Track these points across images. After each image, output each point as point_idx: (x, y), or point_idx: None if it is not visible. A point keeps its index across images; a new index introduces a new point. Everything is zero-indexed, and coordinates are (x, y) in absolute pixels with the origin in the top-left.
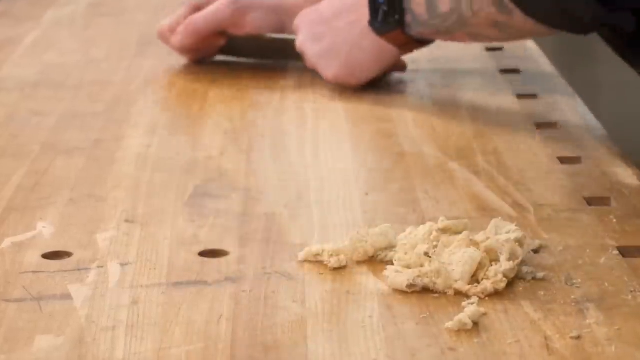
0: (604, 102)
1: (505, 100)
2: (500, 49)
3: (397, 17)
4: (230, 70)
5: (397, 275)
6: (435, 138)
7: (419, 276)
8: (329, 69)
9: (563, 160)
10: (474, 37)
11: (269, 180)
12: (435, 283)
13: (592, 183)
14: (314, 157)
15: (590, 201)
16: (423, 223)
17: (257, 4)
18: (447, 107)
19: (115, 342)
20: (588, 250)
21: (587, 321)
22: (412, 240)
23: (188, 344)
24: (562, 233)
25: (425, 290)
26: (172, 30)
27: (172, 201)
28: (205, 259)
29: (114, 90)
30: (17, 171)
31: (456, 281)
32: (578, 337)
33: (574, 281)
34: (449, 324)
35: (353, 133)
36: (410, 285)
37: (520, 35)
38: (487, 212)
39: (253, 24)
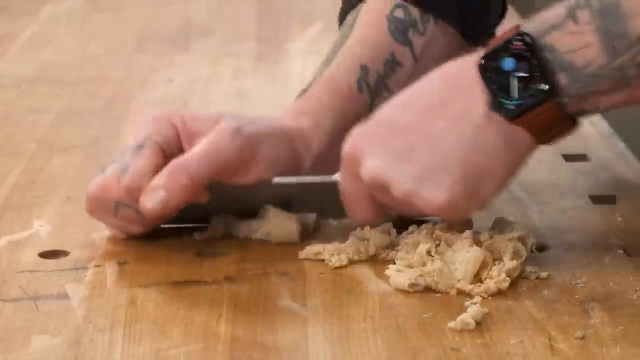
0: None
1: None
2: None
3: (543, 83)
4: (229, 64)
5: (399, 275)
6: None
7: (421, 275)
8: (438, 193)
9: (568, 157)
10: None
11: None
12: (437, 282)
13: (597, 181)
14: None
15: (595, 199)
16: (425, 222)
17: (264, 131)
18: None
19: (113, 342)
20: (593, 250)
21: (592, 321)
22: (414, 239)
23: (187, 344)
24: (566, 232)
25: (428, 290)
26: (130, 188)
27: None
28: (204, 259)
29: (112, 86)
30: (14, 169)
31: (459, 281)
32: (582, 337)
33: (579, 280)
34: (452, 324)
35: None
36: (412, 285)
37: None
38: (490, 210)
39: (266, 160)
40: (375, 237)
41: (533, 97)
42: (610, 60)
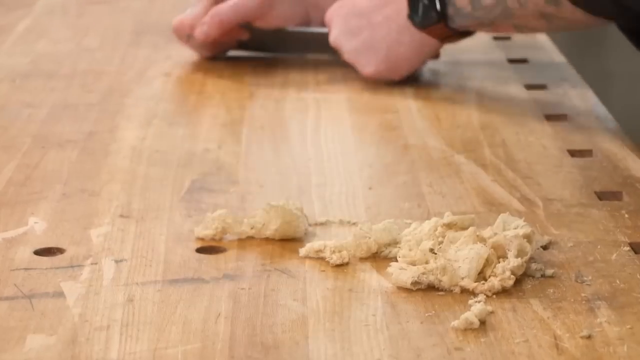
0: (615, 93)
1: (513, 90)
2: (508, 38)
3: (438, 10)
4: (229, 60)
5: (402, 273)
6: (441, 130)
7: (423, 273)
8: (369, 65)
9: (573, 153)
10: (519, 28)
11: (268, 173)
12: (440, 280)
13: (604, 177)
14: (315, 149)
15: (602, 195)
16: (428, 218)
17: None
18: (454, 98)
19: (110, 341)
20: (599, 247)
21: (598, 320)
22: (416, 236)
23: (185, 343)
24: (572, 228)
25: (431, 288)
26: (192, 25)
27: (168, 195)
28: (203, 256)
29: (108, 80)
30: (8, 165)
31: (462, 278)
32: (589, 337)
33: (585, 278)
34: (455, 323)
35: (356, 125)
36: (415, 283)
37: (568, 26)
38: (494, 206)
39: (280, 16)
40: (376, 234)
41: (430, 18)
42: (473, 11)
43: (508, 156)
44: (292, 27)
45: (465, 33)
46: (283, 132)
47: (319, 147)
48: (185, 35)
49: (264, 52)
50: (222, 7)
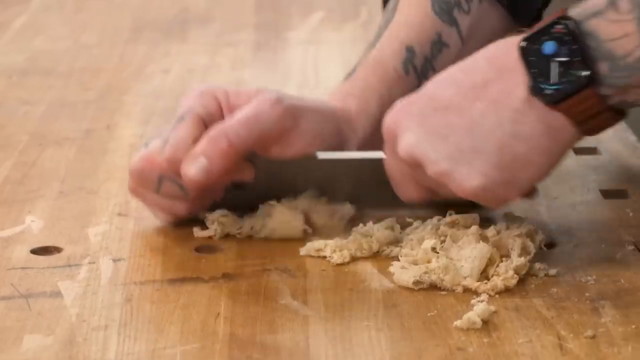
0: None
1: None
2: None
3: (584, 69)
4: (229, 55)
5: (403, 272)
6: None
7: (426, 272)
8: (472, 176)
9: (578, 150)
10: None
11: None
12: (443, 280)
13: (609, 175)
14: None
15: (606, 194)
16: (430, 217)
17: (308, 105)
18: None
19: (107, 341)
20: (603, 245)
21: (602, 320)
22: (418, 234)
23: (183, 343)
24: (576, 227)
25: (433, 288)
26: (173, 158)
27: None
28: (202, 255)
29: (106, 77)
30: (4, 163)
31: (465, 278)
32: (593, 337)
33: (589, 278)
34: (458, 323)
35: None
36: (416, 282)
37: None
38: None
39: (308, 134)
40: (378, 233)
41: (573, 82)
42: None
43: None
44: (318, 153)
45: (619, 112)
46: None
47: None
48: (154, 179)
49: (265, 195)
50: (227, 124)
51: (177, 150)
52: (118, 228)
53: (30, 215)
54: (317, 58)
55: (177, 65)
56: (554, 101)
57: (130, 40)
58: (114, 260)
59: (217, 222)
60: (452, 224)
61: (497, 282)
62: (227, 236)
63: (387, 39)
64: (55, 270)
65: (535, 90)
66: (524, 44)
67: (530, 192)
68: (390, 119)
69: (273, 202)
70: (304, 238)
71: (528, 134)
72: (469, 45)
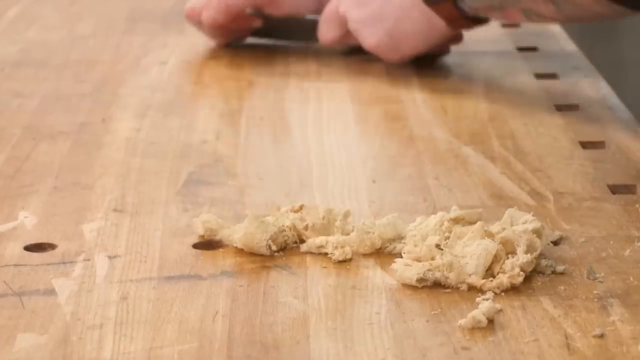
0: (629, 82)
1: (522, 80)
2: (517, 26)
3: None
4: (227, 48)
5: (407, 269)
6: (447, 121)
7: (429, 270)
8: (371, 37)
9: (585, 144)
10: (528, 15)
11: (268, 166)
12: (447, 277)
13: (617, 169)
14: (317, 141)
15: (615, 189)
16: (434, 212)
17: None
18: (460, 88)
19: (103, 341)
20: (612, 242)
21: (611, 318)
22: (422, 231)
23: (181, 342)
24: (583, 223)
25: (437, 285)
26: (202, 10)
27: (164, 189)
28: (200, 251)
29: (102, 69)
30: None
31: (470, 275)
32: (601, 336)
33: (597, 275)
34: (462, 322)
35: (359, 115)
36: (420, 280)
37: (580, 15)
38: (502, 200)
39: (291, 3)
40: (381, 229)
41: None
42: None
43: (517, 148)
44: (305, 16)
45: (476, 21)
46: (283, 123)
47: (320, 139)
48: (197, 21)
49: (276, 40)
50: None
51: (204, 3)
52: (114, 224)
53: (23, 211)
54: (318, 51)
55: (175, 57)
56: (428, 3)
57: (126, 31)
58: (110, 257)
59: (202, 225)
60: (457, 220)
61: (503, 279)
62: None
63: None
64: (49, 267)
65: None
66: None
67: (455, 40)
68: None
69: (248, 212)
70: (269, 255)
71: (415, 17)
72: None
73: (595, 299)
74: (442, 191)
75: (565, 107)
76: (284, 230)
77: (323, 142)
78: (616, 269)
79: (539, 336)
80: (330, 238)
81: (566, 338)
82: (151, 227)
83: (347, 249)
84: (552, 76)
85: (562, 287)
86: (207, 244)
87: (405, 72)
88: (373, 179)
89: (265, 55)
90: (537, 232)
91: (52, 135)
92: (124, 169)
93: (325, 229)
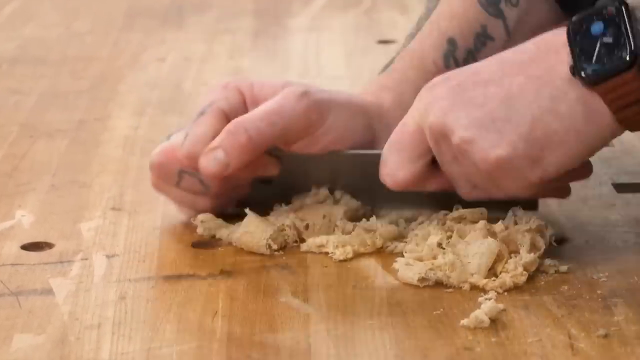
0: None
1: None
2: None
3: (627, 51)
4: (226, 41)
5: (408, 268)
6: None
7: (431, 269)
8: (499, 144)
9: None
10: None
11: None
12: (449, 277)
13: (622, 168)
14: None
15: (619, 187)
16: (435, 210)
17: (336, 100)
18: None
19: (101, 340)
20: (616, 241)
21: (615, 318)
22: (423, 230)
23: (180, 342)
24: (587, 222)
25: (439, 285)
26: (191, 154)
27: None
28: (199, 250)
29: (99, 66)
30: None
31: (472, 275)
32: (605, 336)
33: (601, 275)
34: (464, 322)
35: None
36: (422, 279)
37: None
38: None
39: (333, 130)
40: (382, 228)
41: (614, 64)
42: None
43: None
44: (347, 150)
45: None
46: None
47: None
48: (174, 173)
49: (293, 190)
50: (247, 117)
51: (196, 145)
52: (112, 223)
53: (20, 209)
54: (318, 46)
55: (173, 53)
56: (592, 82)
57: (124, 27)
58: (108, 257)
59: (201, 224)
60: (459, 219)
61: (506, 279)
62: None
63: (428, 30)
64: (47, 266)
65: (576, 68)
66: (574, 21)
67: (563, 191)
68: (424, 90)
69: (248, 210)
70: (268, 254)
71: (564, 113)
72: (515, 39)
73: (599, 299)
74: None
75: None
76: (284, 230)
77: None
78: (620, 268)
79: (542, 336)
80: (331, 237)
81: (570, 338)
82: (150, 226)
83: (348, 248)
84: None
85: (566, 287)
86: (207, 243)
87: None
88: None
89: (266, 51)
90: (541, 231)
91: (50, 133)
92: (122, 167)
93: (326, 228)
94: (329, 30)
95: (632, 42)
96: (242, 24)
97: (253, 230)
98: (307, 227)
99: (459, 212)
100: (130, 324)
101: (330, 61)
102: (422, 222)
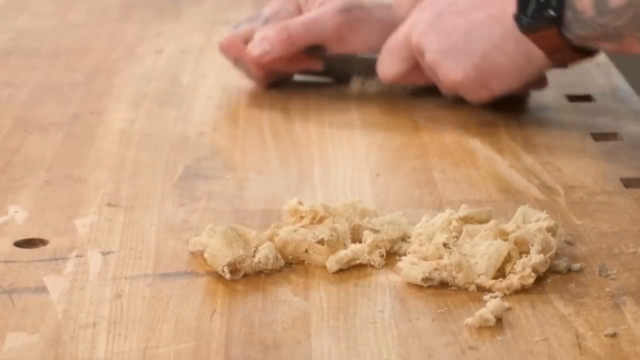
0: None
1: None
2: None
3: (552, 11)
4: (225, 33)
5: (412, 268)
6: (454, 111)
7: (436, 269)
8: (456, 70)
9: (597, 136)
10: None
11: (267, 159)
12: (454, 277)
13: (630, 162)
14: (318, 132)
15: (628, 183)
16: (440, 207)
17: (372, 18)
18: None
19: (96, 340)
20: (625, 238)
21: (624, 317)
22: (428, 230)
23: (177, 342)
24: (595, 218)
25: (443, 284)
26: (247, 39)
27: (160, 182)
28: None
29: (94, 58)
30: None
31: (479, 275)
32: (614, 335)
33: (609, 272)
34: (469, 320)
35: (362, 105)
36: (426, 279)
37: None
38: (511, 194)
39: (365, 42)
40: (389, 230)
41: (541, 20)
42: (596, 16)
43: (526, 140)
44: (371, 54)
45: (583, 52)
46: (283, 114)
47: (322, 130)
48: (232, 58)
49: (332, 78)
50: (292, 21)
51: (250, 33)
52: (107, 219)
53: (13, 205)
54: None
55: (170, 45)
56: (526, 31)
57: (120, 18)
58: (103, 254)
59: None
60: (466, 219)
61: (514, 280)
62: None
63: None
64: (40, 264)
65: (516, 18)
66: None
67: (540, 82)
68: (416, 9)
69: (217, 228)
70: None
71: (510, 50)
72: None
73: (608, 297)
74: (448, 185)
75: (576, 98)
76: (252, 257)
77: (325, 134)
78: (629, 265)
79: (549, 335)
80: (341, 253)
81: (577, 337)
82: (146, 222)
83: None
84: (563, 65)
85: (573, 285)
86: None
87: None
88: (377, 172)
89: None
90: (552, 231)
91: (44, 126)
92: (118, 162)
93: (333, 245)
94: None
95: (557, 4)
96: (240, 15)
97: (215, 253)
98: (308, 249)
99: (466, 212)
100: (126, 322)
101: None
102: (426, 222)
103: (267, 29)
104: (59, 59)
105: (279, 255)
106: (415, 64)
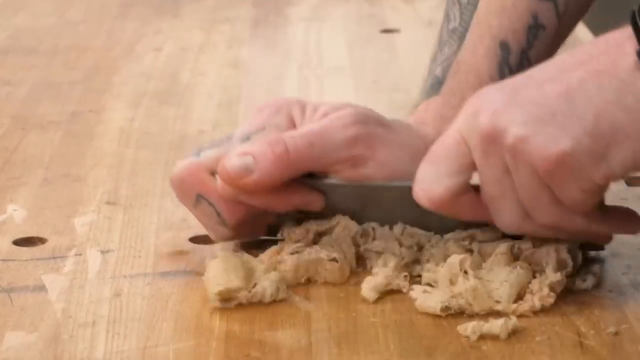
0: None
1: None
2: None
3: None
4: (224, 31)
5: (427, 297)
6: None
7: (453, 297)
8: (559, 139)
9: None
10: None
11: None
12: (471, 304)
13: None
14: None
15: (629, 181)
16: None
17: (393, 134)
18: None
19: (95, 339)
20: (626, 236)
21: (626, 315)
22: (438, 252)
23: (177, 341)
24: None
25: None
26: (214, 172)
27: (159, 181)
28: (197, 246)
29: (93, 56)
30: None
31: (498, 302)
32: (615, 334)
33: (611, 270)
34: (478, 333)
35: (363, 104)
36: (445, 308)
37: None
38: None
39: (387, 168)
40: (404, 252)
41: None
42: None
43: None
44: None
45: None
46: None
47: None
48: (192, 195)
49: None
50: (288, 134)
51: (217, 159)
52: (106, 217)
53: (12, 204)
54: (319, 36)
55: (170, 43)
56: None
57: (119, 16)
58: (102, 252)
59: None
60: (472, 238)
61: (535, 302)
62: None
63: (478, 34)
64: (39, 262)
65: None
66: (636, 9)
67: (604, 238)
68: (472, 99)
69: (221, 253)
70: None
71: (631, 105)
72: (563, 21)
73: (610, 296)
74: None
75: None
76: (265, 282)
77: None
78: (631, 264)
79: (550, 334)
80: (375, 280)
81: (579, 336)
82: (145, 221)
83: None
84: None
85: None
86: (205, 238)
87: (411, 57)
88: None
89: (265, 41)
90: (568, 248)
91: (42, 125)
92: (117, 161)
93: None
94: (330, 19)
95: None
96: (240, 13)
97: (210, 278)
98: (335, 259)
99: (473, 231)
100: (125, 321)
101: (331, 51)
102: (436, 243)
103: (249, 145)
104: (57, 57)
105: (283, 287)
106: (468, 186)
